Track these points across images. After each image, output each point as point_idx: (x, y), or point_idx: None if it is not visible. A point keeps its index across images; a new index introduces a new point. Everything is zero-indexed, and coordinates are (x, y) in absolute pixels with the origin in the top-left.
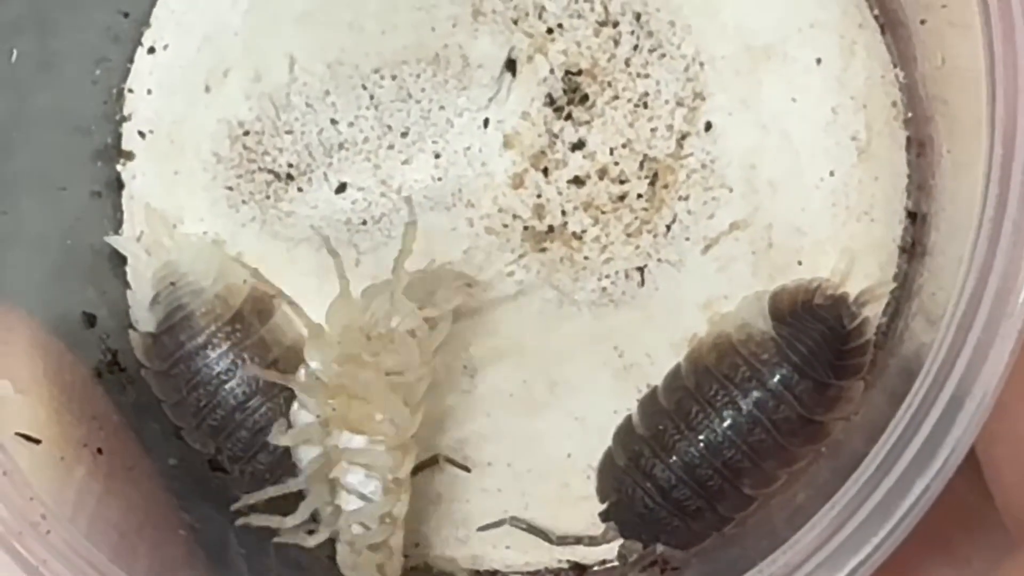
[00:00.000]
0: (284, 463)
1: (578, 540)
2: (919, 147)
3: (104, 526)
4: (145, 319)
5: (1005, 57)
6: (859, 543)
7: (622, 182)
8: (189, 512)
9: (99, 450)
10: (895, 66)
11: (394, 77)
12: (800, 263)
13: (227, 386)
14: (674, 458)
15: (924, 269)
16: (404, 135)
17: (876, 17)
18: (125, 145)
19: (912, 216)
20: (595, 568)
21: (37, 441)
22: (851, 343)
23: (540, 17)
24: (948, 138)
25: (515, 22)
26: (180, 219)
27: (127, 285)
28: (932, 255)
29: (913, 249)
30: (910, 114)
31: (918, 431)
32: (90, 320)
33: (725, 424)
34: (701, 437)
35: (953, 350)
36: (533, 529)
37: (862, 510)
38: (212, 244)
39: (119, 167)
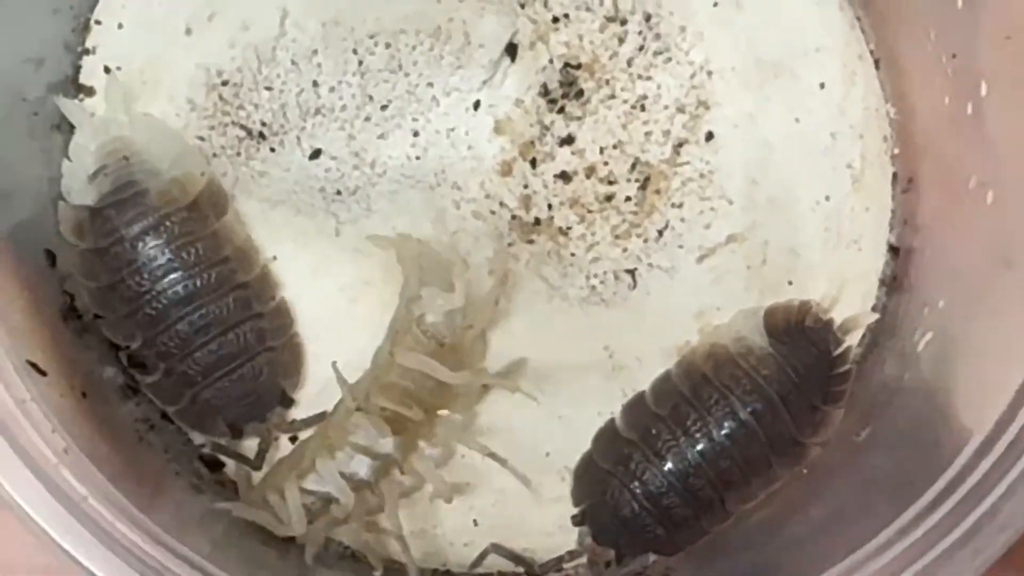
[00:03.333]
0: (219, 367)
1: (559, 562)
2: (906, 183)
3: (111, 472)
4: (82, 191)
5: None
6: None
7: (610, 183)
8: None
9: (83, 394)
10: (887, 101)
11: (388, 45)
12: (790, 283)
13: (174, 275)
14: (668, 464)
15: (903, 305)
16: (384, 108)
17: (872, 51)
18: (84, 79)
19: (894, 251)
20: None
21: (44, 373)
22: (837, 369)
23: (547, 5)
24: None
25: (522, 6)
26: None
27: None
28: (911, 292)
29: (893, 283)
30: (897, 150)
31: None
32: (52, 258)
33: (724, 434)
34: (699, 445)
35: None
36: (516, 557)
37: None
38: (171, 128)
39: (76, 102)
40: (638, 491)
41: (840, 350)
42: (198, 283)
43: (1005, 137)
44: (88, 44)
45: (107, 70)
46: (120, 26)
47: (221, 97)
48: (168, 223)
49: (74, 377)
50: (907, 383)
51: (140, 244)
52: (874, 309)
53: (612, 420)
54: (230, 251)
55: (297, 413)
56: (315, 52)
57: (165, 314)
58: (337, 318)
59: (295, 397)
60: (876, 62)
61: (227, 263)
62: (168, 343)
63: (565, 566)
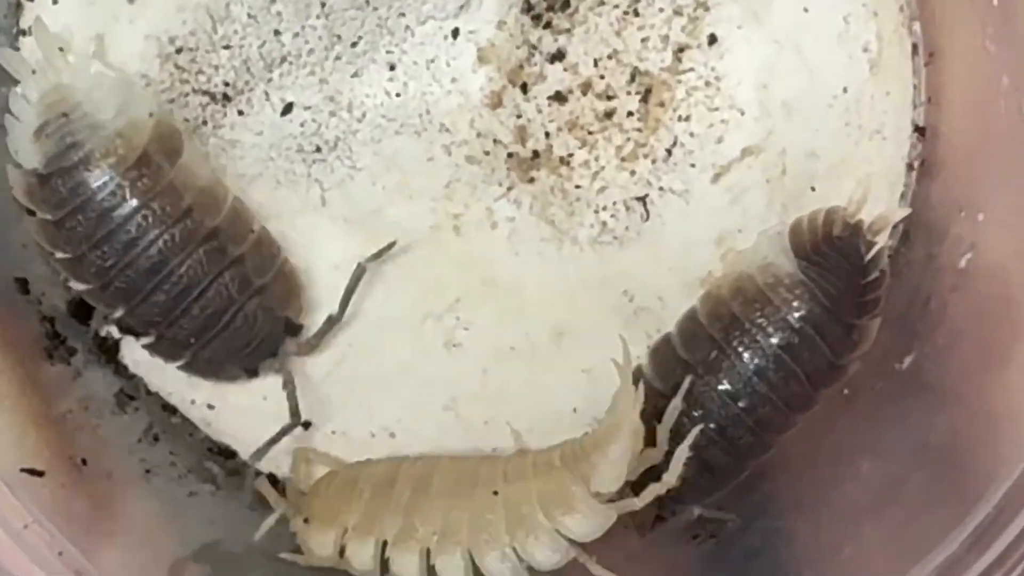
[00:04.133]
0: (210, 327)
1: None
2: (927, 56)
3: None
4: (28, 152)
5: None
6: None
7: (609, 97)
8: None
9: (83, 461)
10: None
11: None
12: (813, 189)
13: (136, 247)
14: (704, 417)
15: (935, 194)
16: (354, 45)
17: None
18: None
19: (920, 132)
20: None
21: (40, 473)
22: (869, 276)
23: None
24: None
25: None
26: None
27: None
28: (942, 179)
29: (922, 168)
30: (916, 22)
31: None
32: (23, 285)
33: (761, 379)
34: (735, 395)
35: None
36: None
37: None
38: (113, 72)
39: (14, 51)
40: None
41: (872, 254)
42: (162, 247)
43: None
44: (23, 24)
45: None
46: (55, 1)
47: (177, 66)
48: (120, 188)
49: (70, 440)
50: (952, 305)
51: (93, 215)
52: (902, 196)
53: (639, 368)
54: (192, 199)
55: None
56: (272, 1)
57: (137, 287)
58: (335, 301)
59: (303, 322)
60: None
61: (190, 214)
62: (149, 313)
63: None
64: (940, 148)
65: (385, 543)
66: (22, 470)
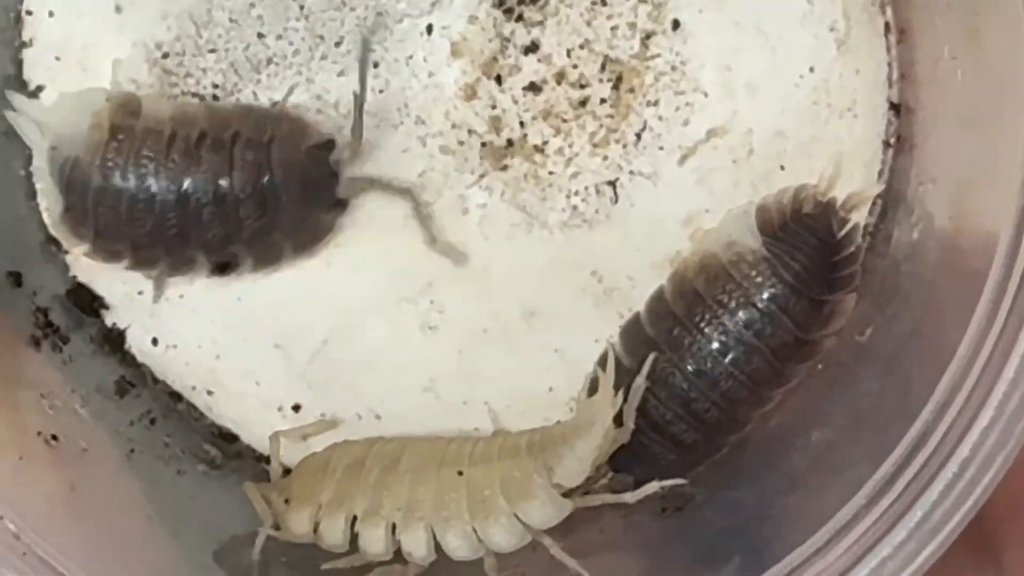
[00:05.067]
0: (267, 196)
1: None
2: (899, 33)
3: (78, 532)
4: (56, 199)
5: None
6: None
7: (582, 86)
8: (150, 496)
9: (53, 437)
10: None
11: None
12: (783, 168)
13: (154, 200)
14: (667, 393)
15: (912, 163)
16: (338, 44)
17: None
18: (28, 74)
19: (895, 108)
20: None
21: None
22: (842, 253)
23: None
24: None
25: None
26: None
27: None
28: (920, 147)
29: (899, 144)
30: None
31: None
32: (16, 279)
33: (721, 355)
34: (696, 369)
35: None
36: None
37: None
38: (76, 92)
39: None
40: (642, 423)
41: (845, 231)
42: (173, 175)
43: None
44: (25, 36)
45: None
46: (51, 14)
47: (164, 70)
48: (109, 165)
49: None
50: (904, 275)
51: (111, 202)
52: (880, 174)
53: (611, 347)
54: (169, 128)
55: None
56: (252, 5)
57: (184, 224)
58: (312, 286)
59: (329, 137)
60: None
61: (175, 138)
62: (214, 239)
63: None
64: (915, 124)
65: (355, 519)
66: None
